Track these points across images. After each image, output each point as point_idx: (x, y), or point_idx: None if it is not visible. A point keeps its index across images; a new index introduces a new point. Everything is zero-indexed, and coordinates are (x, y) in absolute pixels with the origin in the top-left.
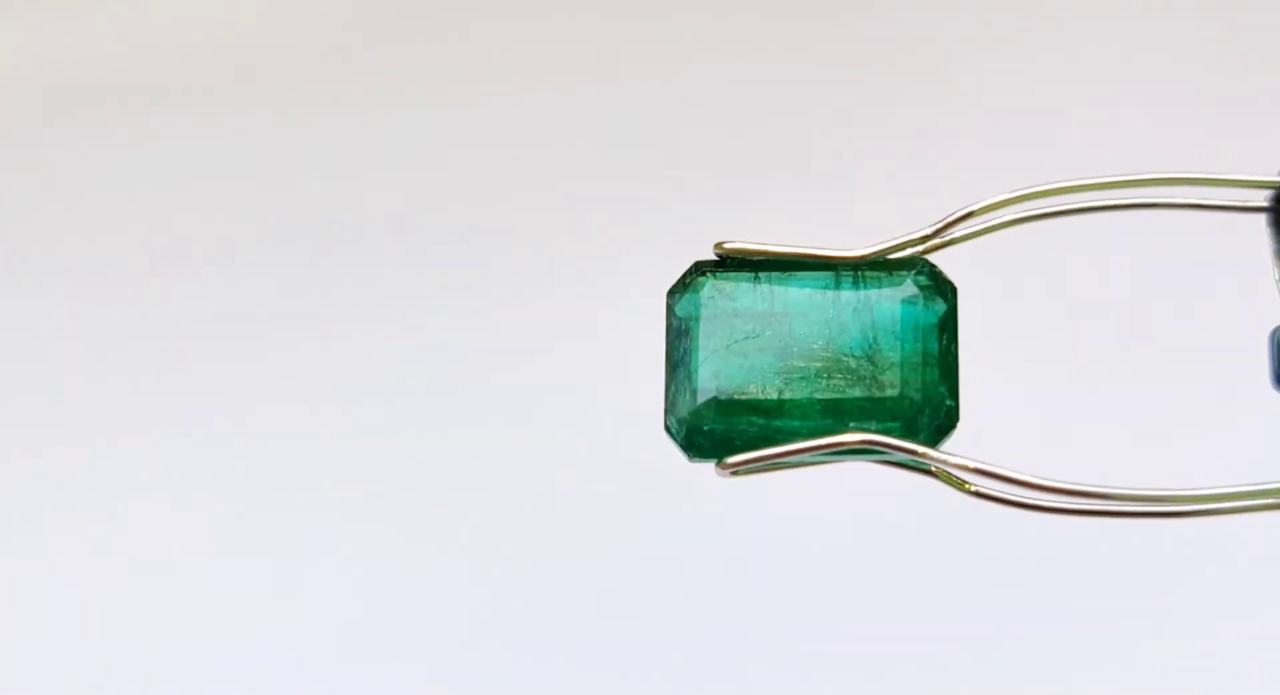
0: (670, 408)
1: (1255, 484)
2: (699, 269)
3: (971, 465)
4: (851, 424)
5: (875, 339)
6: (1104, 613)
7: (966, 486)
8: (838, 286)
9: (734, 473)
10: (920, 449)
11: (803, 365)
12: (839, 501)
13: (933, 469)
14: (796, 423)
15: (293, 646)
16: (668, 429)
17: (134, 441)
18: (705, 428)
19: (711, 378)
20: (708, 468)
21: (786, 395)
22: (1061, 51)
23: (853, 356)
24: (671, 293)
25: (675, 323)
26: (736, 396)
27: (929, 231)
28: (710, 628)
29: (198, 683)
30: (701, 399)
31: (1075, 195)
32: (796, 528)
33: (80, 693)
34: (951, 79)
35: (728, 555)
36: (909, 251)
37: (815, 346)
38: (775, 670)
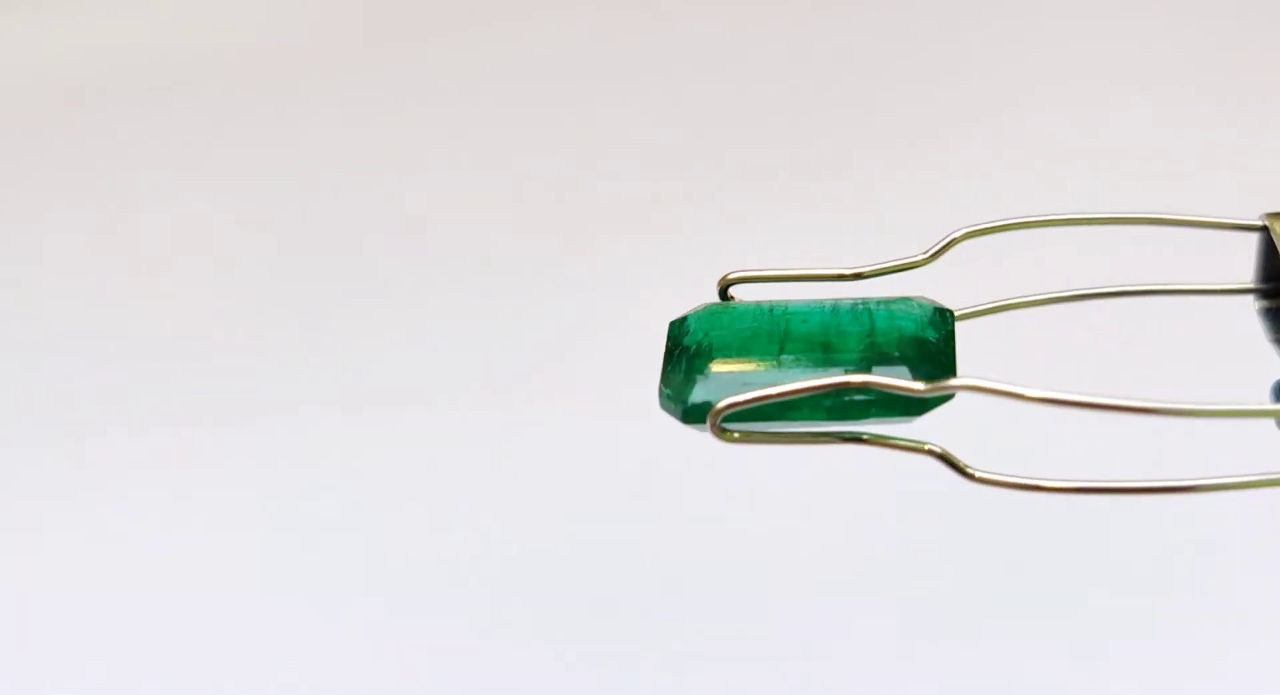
0: (664, 381)
1: (1254, 475)
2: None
3: (970, 383)
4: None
5: (873, 340)
6: (1102, 608)
7: (970, 472)
8: (836, 299)
9: (725, 428)
10: (919, 385)
11: (799, 353)
12: (838, 503)
13: (938, 452)
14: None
15: (292, 646)
16: (662, 397)
17: (133, 441)
18: (700, 397)
19: (707, 347)
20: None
21: (783, 364)
22: (1064, 54)
23: (849, 350)
24: (668, 365)
25: (673, 331)
26: (732, 363)
27: (925, 256)
28: (709, 627)
29: (197, 681)
30: (698, 365)
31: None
32: (796, 527)
33: (80, 689)
34: (955, 83)
35: (728, 554)
36: (908, 265)
37: (813, 340)
38: (773, 668)
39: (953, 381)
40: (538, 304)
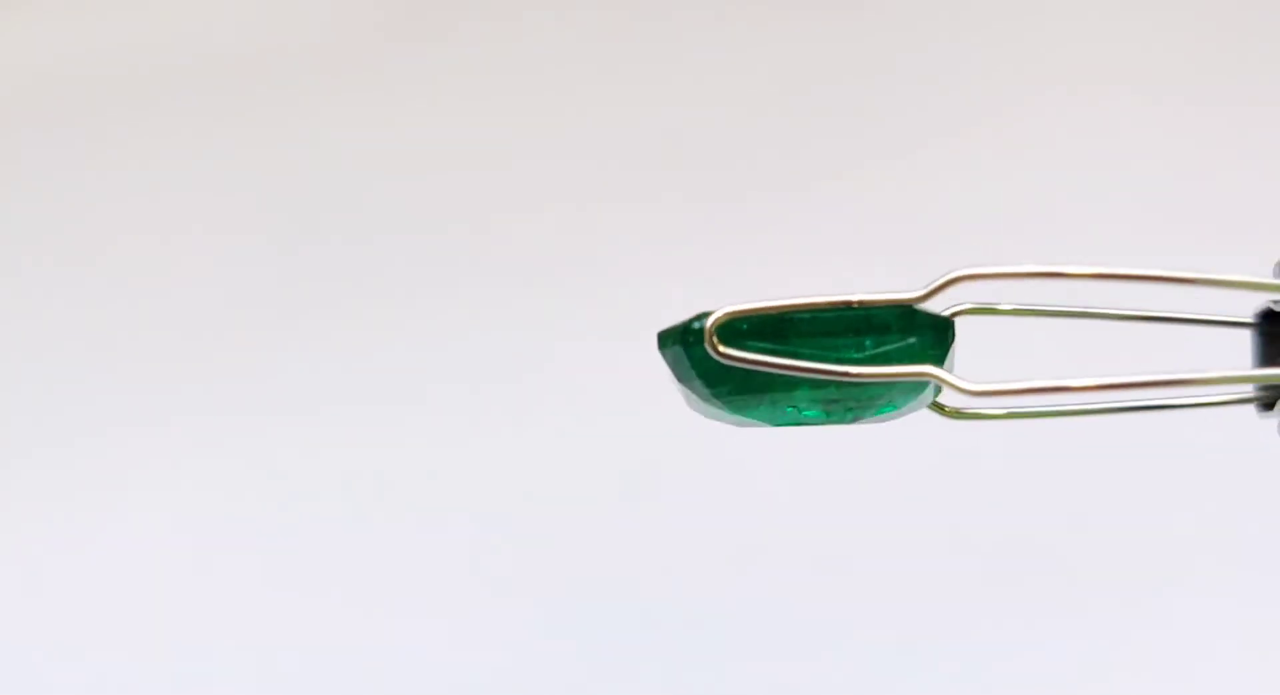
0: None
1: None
2: (692, 346)
3: (971, 272)
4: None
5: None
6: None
7: (946, 410)
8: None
9: (720, 346)
10: (915, 293)
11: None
12: (836, 503)
13: (931, 372)
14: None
15: (289, 648)
16: (660, 339)
17: (132, 440)
18: (699, 322)
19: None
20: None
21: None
22: (1065, 57)
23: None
24: (664, 346)
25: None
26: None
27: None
28: (708, 625)
29: (193, 683)
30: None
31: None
32: (794, 527)
33: (74, 691)
34: (954, 86)
35: (727, 553)
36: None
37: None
38: (771, 667)
39: (952, 274)
40: (538, 304)
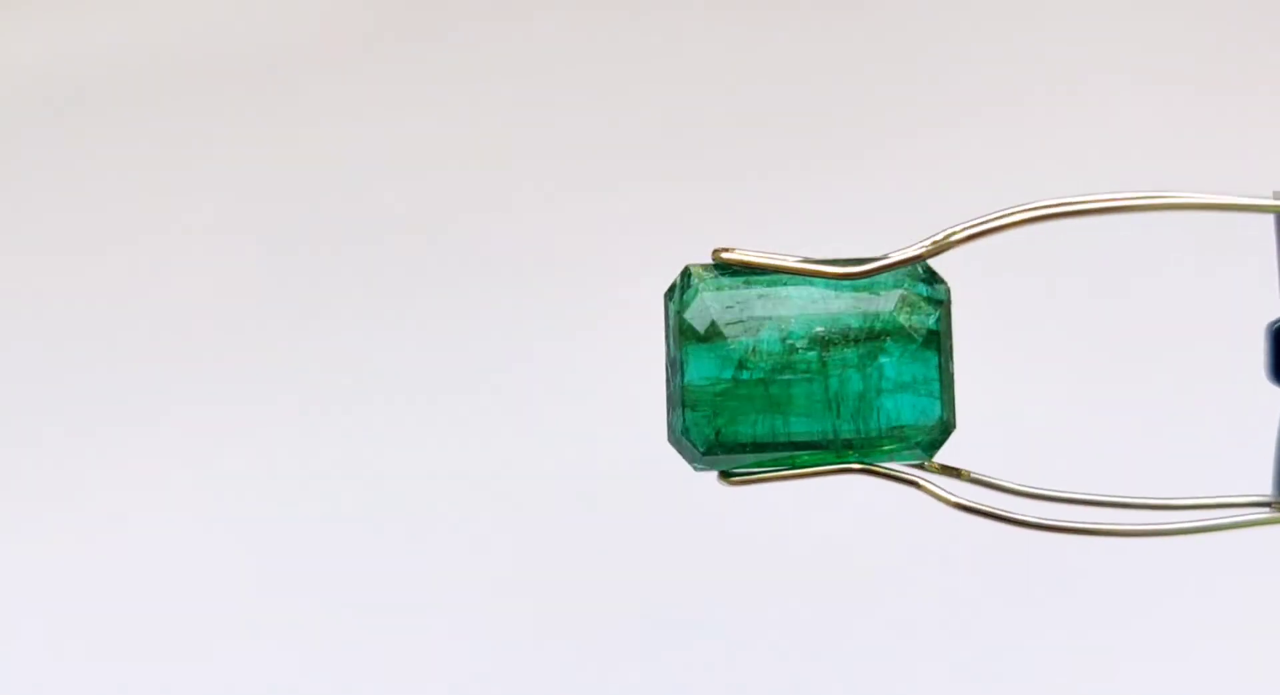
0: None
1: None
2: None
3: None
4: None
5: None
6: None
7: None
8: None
9: (724, 257)
10: (916, 250)
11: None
12: (836, 502)
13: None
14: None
15: (287, 648)
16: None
17: (131, 440)
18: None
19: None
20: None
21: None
22: (1064, 51)
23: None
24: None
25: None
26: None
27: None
28: (709, 626)
29: (191, 682)
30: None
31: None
32: (795, 528)
33: (72, 690)
34: (954, 80)
35: (729, 555)
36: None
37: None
38: (772, 669)
39: (945, 232)
40: (539, 303)
